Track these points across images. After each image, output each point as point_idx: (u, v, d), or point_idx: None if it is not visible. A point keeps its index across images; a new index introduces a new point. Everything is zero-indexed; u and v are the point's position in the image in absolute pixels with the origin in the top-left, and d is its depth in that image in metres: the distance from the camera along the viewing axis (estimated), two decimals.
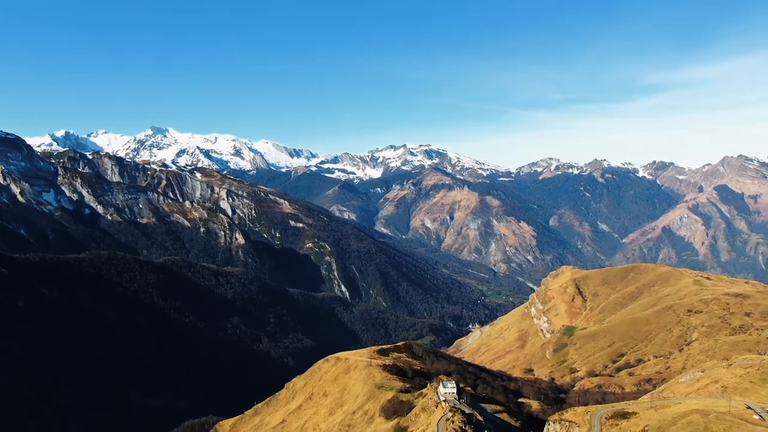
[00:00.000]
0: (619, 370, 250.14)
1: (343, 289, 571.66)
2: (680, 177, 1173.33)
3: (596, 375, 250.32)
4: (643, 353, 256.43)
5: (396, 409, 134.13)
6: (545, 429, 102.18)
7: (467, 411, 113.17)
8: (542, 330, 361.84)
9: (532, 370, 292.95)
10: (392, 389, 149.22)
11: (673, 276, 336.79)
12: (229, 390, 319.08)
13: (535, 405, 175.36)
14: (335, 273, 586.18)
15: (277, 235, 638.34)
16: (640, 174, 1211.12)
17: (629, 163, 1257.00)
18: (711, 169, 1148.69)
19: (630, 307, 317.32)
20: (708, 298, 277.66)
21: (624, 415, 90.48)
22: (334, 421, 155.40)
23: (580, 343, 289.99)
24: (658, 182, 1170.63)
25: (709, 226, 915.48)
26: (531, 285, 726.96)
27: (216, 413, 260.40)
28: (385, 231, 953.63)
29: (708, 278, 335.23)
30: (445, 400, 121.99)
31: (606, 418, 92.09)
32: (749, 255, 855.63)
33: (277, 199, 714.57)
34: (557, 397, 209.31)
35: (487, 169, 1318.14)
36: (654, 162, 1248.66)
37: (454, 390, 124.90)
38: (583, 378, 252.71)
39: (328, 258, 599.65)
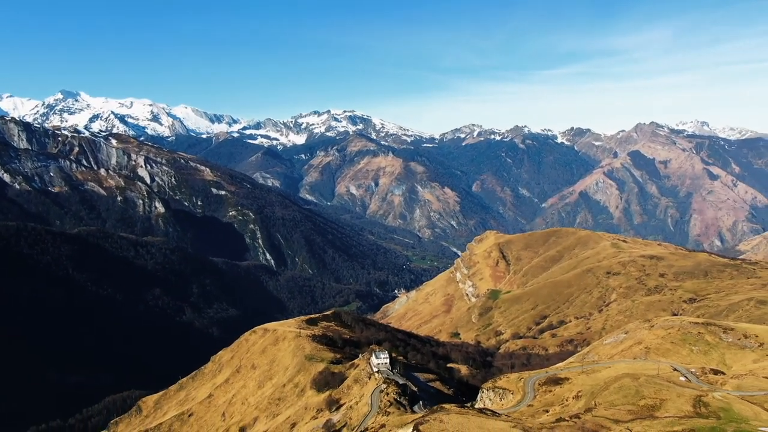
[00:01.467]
0: (542, 331, 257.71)
1: (269, 257, 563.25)
2: (596, 143, 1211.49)
3: (521, 337, 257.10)
4: (564, 315, 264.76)
5: (327, 381, 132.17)
6: (479, 396, 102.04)
7: (401, 382, 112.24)
8: (467, 294, 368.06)
9: (459, 334, 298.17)
10: (323, 360, 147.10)
11: (592, 239, 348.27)
12: (152, 364, 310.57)
13: (464, 370, 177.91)
14: (260, 241, 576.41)
15: (199, 203, 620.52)
16: (559, 140, 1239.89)
17: (549, 130, 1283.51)
18: (625, 136, 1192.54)
19: (552, 270, 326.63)
20: (625, 260, 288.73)
21: (557, 381, 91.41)
22: (263, 395, 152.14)
23: (505, 307, 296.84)
24: (575, 148, 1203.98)
25: (623, 191, 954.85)
26: (455, 250, 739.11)
27: (139, 388, 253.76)
28: (309, 198, 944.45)
29: (624, 241, 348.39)
30: (378, 371, 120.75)
31: (539, 384, 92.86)
32: (659, 218, 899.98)
33: (198, 166, 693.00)
34: (485, 361, 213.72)
35: (411, 135, 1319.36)
36: (572, 128, 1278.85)
37: (387, 360, 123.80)
38: (508, 340, 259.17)
39: (252, 226, 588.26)
